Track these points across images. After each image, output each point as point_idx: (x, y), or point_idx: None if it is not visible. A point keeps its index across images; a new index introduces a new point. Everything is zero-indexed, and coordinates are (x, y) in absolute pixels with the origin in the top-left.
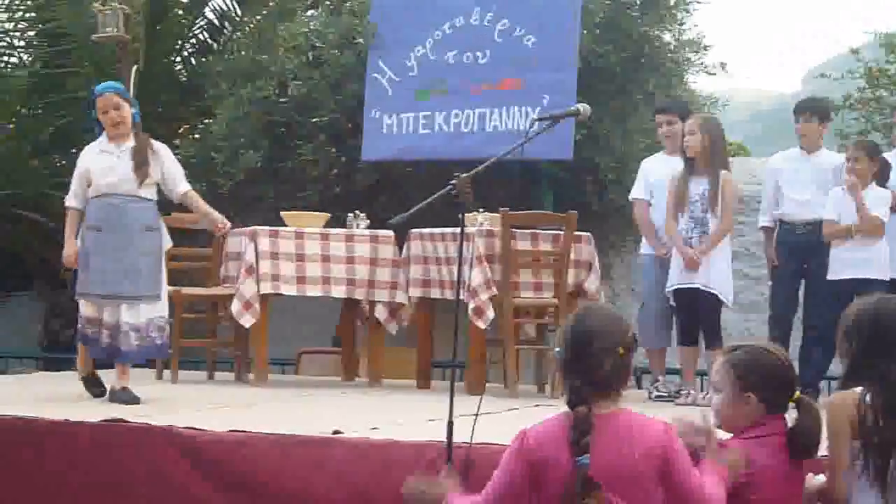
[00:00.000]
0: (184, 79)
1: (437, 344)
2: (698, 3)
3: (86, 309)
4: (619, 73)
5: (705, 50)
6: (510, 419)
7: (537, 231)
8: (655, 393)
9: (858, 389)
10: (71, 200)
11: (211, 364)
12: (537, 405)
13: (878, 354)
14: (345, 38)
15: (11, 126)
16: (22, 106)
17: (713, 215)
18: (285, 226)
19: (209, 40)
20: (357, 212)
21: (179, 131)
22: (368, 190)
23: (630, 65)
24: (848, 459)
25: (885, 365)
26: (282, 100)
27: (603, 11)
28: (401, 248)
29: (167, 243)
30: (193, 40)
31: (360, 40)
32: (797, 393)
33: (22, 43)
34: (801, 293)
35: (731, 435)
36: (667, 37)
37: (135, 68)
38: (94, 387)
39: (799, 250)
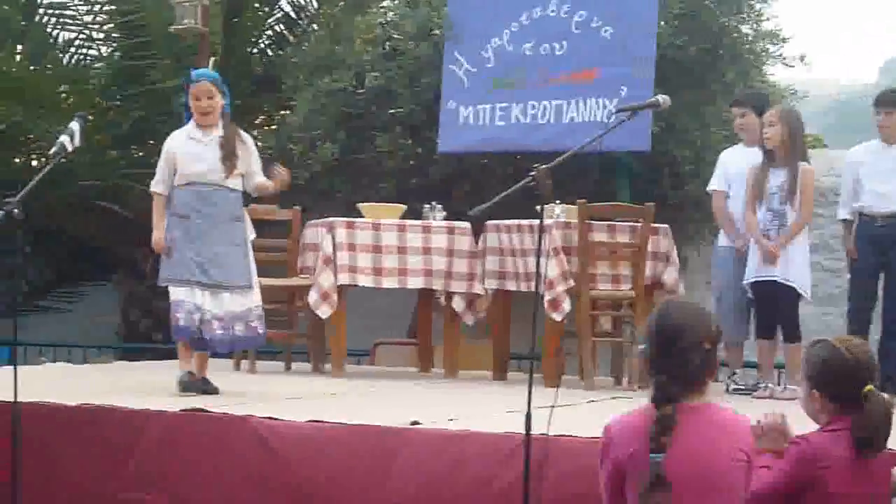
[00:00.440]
0: (261, 71)
1: (512, 335)
2: None
3: (176, 294)
4: (697, 65)
5: (784, 41)
6: (588, 411)
7: (614, 223)
8: (733, 386)
9: None
10: (157, 186)
11: (288, 355)
12: (614, 397)
13: None
14: (421, 30)
15: (91, 118)
16: (101, 98)
17: (791, 207)
18: (361, 217)
19: (286, 32)
20: (433, 203)
21: (256, 123)
22: (444, 182)
23: (708, 56)
24: None
25: None
26: (358, 91)
27: (681, 3)
28: (477, 240)
29: (251, 234)
30: (270, 32)
31: (437, 32)
32: (868, 386)
33: (101, 35)
34: (880, 286)
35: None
36: (745, 28)
37: (212, 60)
38: (202, 385)
39: (878, 243)
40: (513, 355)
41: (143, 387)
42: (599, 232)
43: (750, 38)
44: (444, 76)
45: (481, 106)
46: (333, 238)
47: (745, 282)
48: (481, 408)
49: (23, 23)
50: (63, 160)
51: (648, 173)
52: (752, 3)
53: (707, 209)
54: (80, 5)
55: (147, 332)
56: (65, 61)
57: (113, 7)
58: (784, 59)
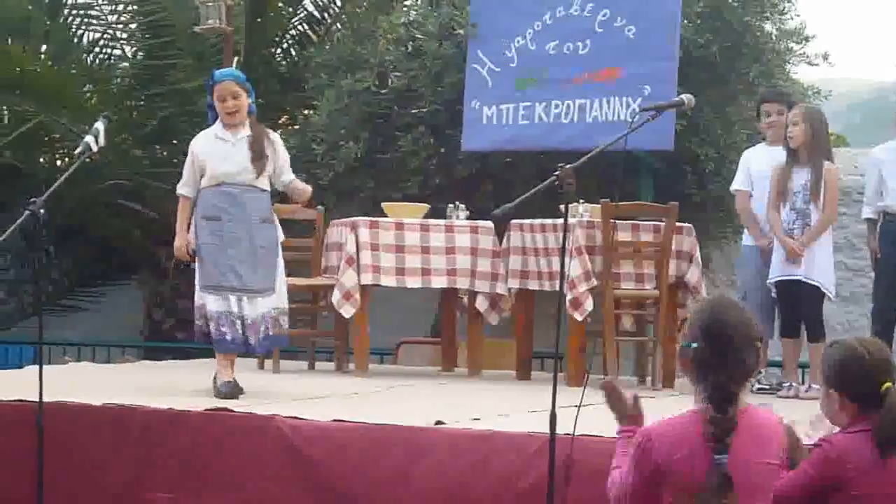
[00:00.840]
0: (284, 70)
1: (536, 335)
2: None
3: (212, 304)
4: (720, 63)
5: (807, 40)
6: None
7: (638, 222)
8: (757, 385)
9: None
10: (182, 188)
11: (312, 354)
12: (638, 397)
13: None
14: (445, 29)
15: (115, 117)
16: (124, 97)
17: (815, 206)
18: (385, 217)
19: (309, 32)
20: (457, 202)
21: (279, 122)
22: (468, 181)
23: (731, 55)
24: None
25: None
26: (381, 91)
27: (704, 1)
28: (500, 239)
29: (280, 236)
30: (294, 32)
31: (460, 31)
32: (887, 384)
33: (125, 35)
34: None
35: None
36: (768, 26)
37: (236, 60)
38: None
39: None
40: (536, 354)
41: (167, 386)
42: (623, 231)
43: (773, 37)
44: (467, 76)
45: (504, 105)
46: (357, 238)
47: (769, 281)
48: (505, 407)
49: (47, 22)
50: (87, 160)
51: (671, 172)
52: (775, 1)
53: (730, 208)
54: (104, 5)
55: (170, 332)
56: (89, 61)
57: (136, 7)
58: (807, 57)
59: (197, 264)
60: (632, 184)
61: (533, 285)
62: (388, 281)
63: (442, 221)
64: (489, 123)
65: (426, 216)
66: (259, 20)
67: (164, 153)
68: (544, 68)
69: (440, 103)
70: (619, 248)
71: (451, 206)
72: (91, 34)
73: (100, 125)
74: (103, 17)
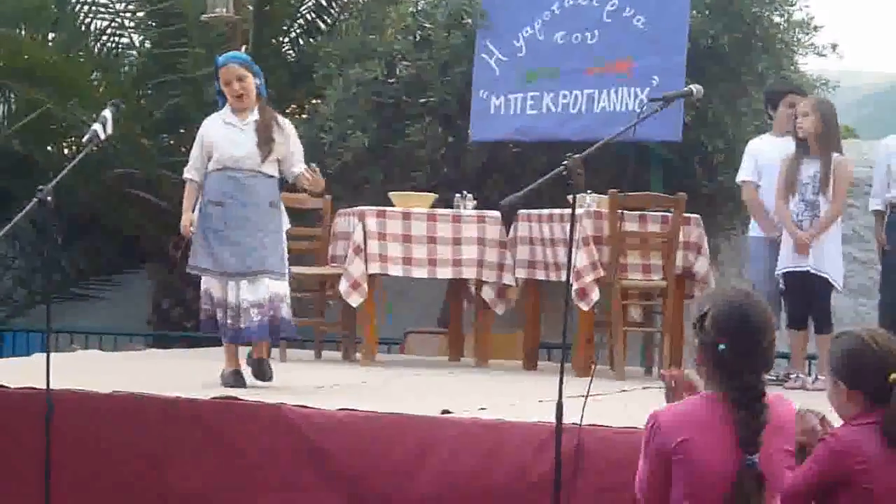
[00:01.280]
0: (292, 60)
1: (543, 325)
2: None
3: (210, 289)
4: (729, 55)
5: (815, 31)
6: (619, 401)
7: (646, 213)
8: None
9: None
10: (190, 172)
11: (319, 343)
12: (645, 387)
13: None
14: (453, 19)
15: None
16: (133, 86)
17: (824, 198)
18: (393, 206)
19: (317, 21)
20: (464, 192)
21: (287, 112)
22: (477, 171)
23: (740, 46)
24: None
25: None
26: (390, 81)
27: None
28: (508, 229)
29: (286, 223)
30: (302, 21)
31: (469, 21)
32: (894, 375)
33: (133, 24)
34: None
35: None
36: (777, 17)
37: (244, 49)
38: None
39: None
40: (543, 345)
41: (175, 375)
42: (631, 222)
43: (782, 28)
44: (475, 66)
45: (513, 95)
46: (364, 227)
47: (777, 273)
48: (512, 397)
49: (56, 11)
50: (95, 148)
51: (679, 163)
52: None
53: (738, 199)
54: None
55: (178, 320)
56: (97, 50)
57: None
58: (816, 49)
59: (193, 246)
60: (640, 174)
61: (540, 275)
62: (395, 270)
63: (449, 211)
64: (497, 114)
65: (434, 206)
66: (267, 9)
67: (173, 142)
68: (553, 59)
69: (449, 93)
70: (626, 238)
71: (458, 195)
72: (100, 23)
73: (107, 113)
74: (112, 5)
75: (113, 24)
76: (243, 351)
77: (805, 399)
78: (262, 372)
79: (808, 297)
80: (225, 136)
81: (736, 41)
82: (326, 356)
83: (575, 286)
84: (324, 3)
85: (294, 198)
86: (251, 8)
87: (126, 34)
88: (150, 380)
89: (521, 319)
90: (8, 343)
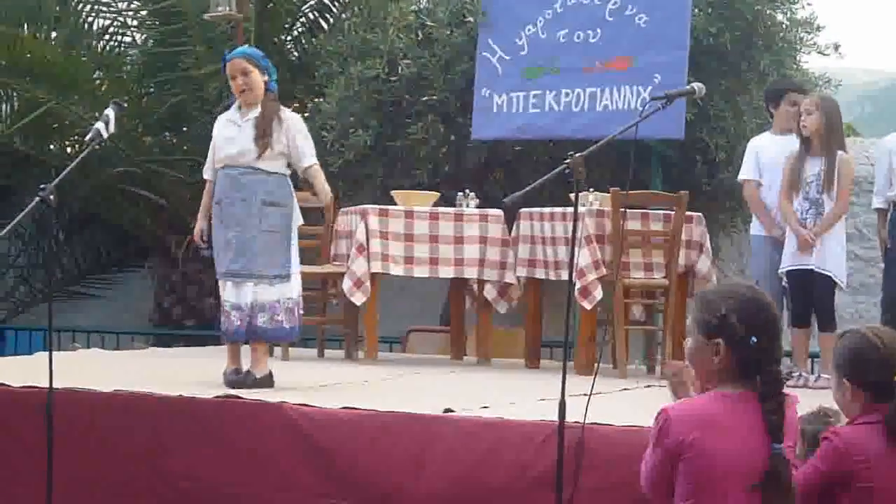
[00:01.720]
0: (294, 58)
1: (546, 323)
2: None
3: (222, 291)
4: (731, 53)
5: (818, 30)
6: (622, 399)
7: (647, 211)
8: None
9: None
10: (205, 172)
11: (321, 341)
12: (647, 386)
13: None
14: (455, 17)
15: (126, 105)
16: (135, 84)
17: (828, 196)
18: (395, 205)
19: (319, 19)
20: (467, 190)
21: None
22: (478, 169)
23: (742, 44)
24: None
25: None
26: (392, 79)
27: None
28: (510, 227)
29: (297, 220)
30: (304, 19)
31: (471, 19)
32: None
33: (135, 22)
34: None
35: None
36: (779, 16)
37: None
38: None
39: None
40: (545, 343)
41: (177, 373)
42: (632, 220)
43: (784, 26)
44: (477, 64)
45: (515, 94)
46: (366, 226)
47: (780, 271)
48: (514, 396)
49: (58, 9)
50: (98, 147)
51: (682, 161)
52: None
53: (739, 197)
54: None
55: (179, 319)
56: (99, 48)
57: None
58: (818, 47)
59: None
60: (642, 173)
61: (540, 274)
62: (397, 270)
63: (451, 210)
64: (499, 112)
65: (436, 204)
66: (269, 7)
67: (174, 140)
68: (555, 57)
69: (451, 91)
70: (628, 236)
71: (460, 194)
72: (102, 21)
73: (110, 112)
74: (114, 3)
75: (115, 23)
76: (245, 351)
77: (806, 398)
78: (238, 381)
79: (811, 295)
80: (223, 133)
81: (737, 39)
82: (329, 354)
83: (578, 285)
84: (326, 1)
85: (298, 195)
86: (253, 6)
87: (128, 32)
88: (152, 378)
89: (524, 318)
90: (10, 341)
